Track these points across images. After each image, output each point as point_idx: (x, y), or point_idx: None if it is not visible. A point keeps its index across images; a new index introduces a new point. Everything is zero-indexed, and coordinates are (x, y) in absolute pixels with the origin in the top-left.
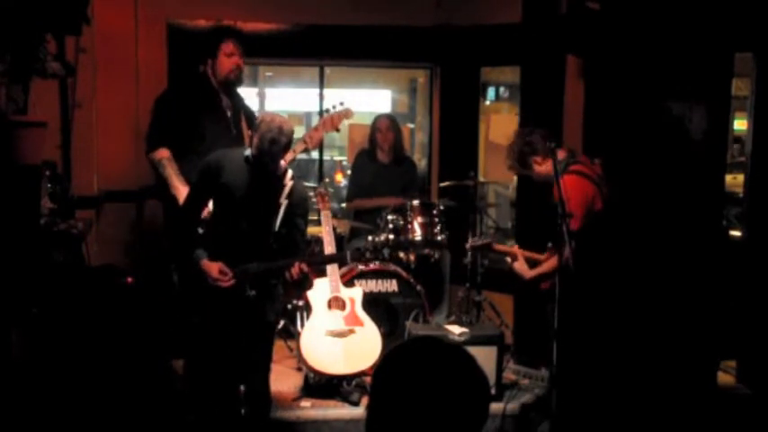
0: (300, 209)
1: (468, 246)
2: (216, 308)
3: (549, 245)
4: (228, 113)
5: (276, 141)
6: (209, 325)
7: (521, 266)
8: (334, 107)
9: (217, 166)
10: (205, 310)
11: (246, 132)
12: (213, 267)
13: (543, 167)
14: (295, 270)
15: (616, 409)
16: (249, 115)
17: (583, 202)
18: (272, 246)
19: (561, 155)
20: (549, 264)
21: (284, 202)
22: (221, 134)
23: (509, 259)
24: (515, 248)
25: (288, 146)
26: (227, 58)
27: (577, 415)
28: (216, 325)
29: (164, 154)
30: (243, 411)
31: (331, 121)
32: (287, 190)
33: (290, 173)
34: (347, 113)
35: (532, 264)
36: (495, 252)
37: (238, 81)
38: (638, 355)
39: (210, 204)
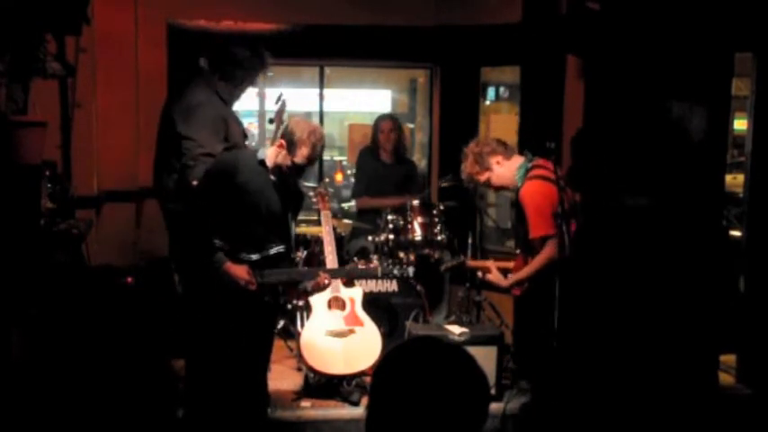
0: (298, 211)
1: (442, 268)
2: (234, 312)
3: (517, 252)
4: (239, 122)
5: (324, 146)
6: (224, 329)
7: (495, 277)
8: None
9: (232, 167)
10: (220, 314)
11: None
12: (242, 270)
13: (505, 168)
14: (321, 280)
15: (615, 409)
16: None
17: (550, 207)
18: (289, 253)
19: (519, 160)
20: (525, 271)
21: (292, 205)
22: (241, 144)
23: (480, 273)
24: (489, 262)
25: None
26: (254, 84)
27: (577, 414)
28: (230, 329)
29: None
30: (242, 410)
31: (279, 118)
32: (293, 193)
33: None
34: (284, 104)
35: (506, 273)
36: (469, 268)
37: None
38: (637, 356)
39: None
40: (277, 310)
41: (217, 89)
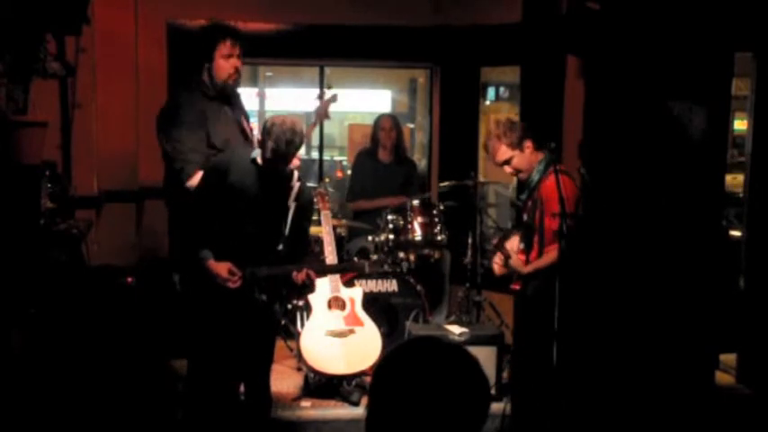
0: (308, 212)
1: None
2: (223, 310)
3: (522, 246)
4: (238, 119)
5: (291, 142)
6: (216, 327)
7: (516, 262)
8: (320, 97)
9: (225, 166)
10: (211, 312)
11: (250, 132)
12: (222, 267)
13: (534, 157)
14: (302, 276)
15: (614, 410)
16: (248, 118)
17: (573, 202)
18: (279, 250)
19: (541, 155)
20: (543, 260)
21: (292, 204)
22: (234, 142)
23: (498, 259)
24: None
25: (300, 145)
26: (225, 61)
27: (574, 416)
28: (222, 327)
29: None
30: (244, 410)
31: (325, 112)
32: (294, 192)
33: (296, 175)
34: (334, 98)
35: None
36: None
37: (236, 85)
38: (636, 356)
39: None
40: (273, 309)
41: (201, 83)
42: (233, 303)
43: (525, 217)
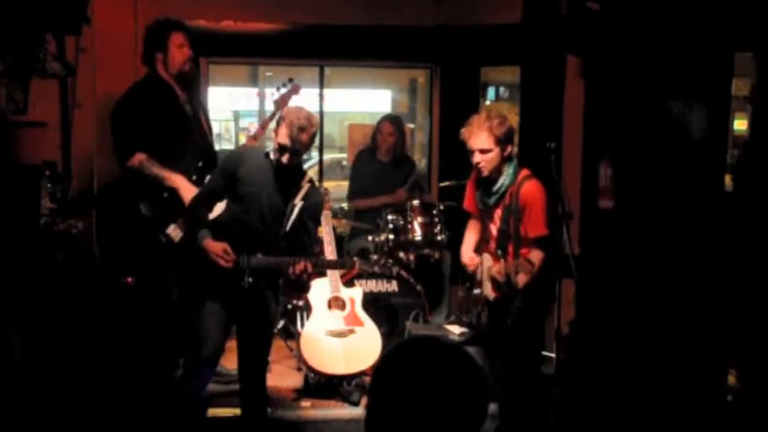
0: (313, 212)
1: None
2: (212, 293)
3: (499, 253)
4: (187, 108)
5: (305, 129)
6: (204, 309)
7: (521, 277)
8: (278, 89)
9: (237, 159)
10: (201, 296)
11: (205, 128)
12: (218, 246)
13: (504, 159)
14: (299, 267)
15: (621, 411)
16: (206, 113)
17: (547, 207)
18: (280, 244)
19: (509, 161)
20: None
21: (299, 203)
22: (181, 131)
23: (479, 268)
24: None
25: (314, 137)
26: (179, 50)
27: (581, 417)
28: (209, 303)
29: (141, 157)
30: (240, 410)
31: (282, 101)
32: (303, 192)
33: (307, 176)
34: (295, 90)
35: None
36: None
37: (191, 74)
38: (635, 360)
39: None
40: (265, 300)
41: (157, 76)
42: (221, 287)
43: (498, 224)
